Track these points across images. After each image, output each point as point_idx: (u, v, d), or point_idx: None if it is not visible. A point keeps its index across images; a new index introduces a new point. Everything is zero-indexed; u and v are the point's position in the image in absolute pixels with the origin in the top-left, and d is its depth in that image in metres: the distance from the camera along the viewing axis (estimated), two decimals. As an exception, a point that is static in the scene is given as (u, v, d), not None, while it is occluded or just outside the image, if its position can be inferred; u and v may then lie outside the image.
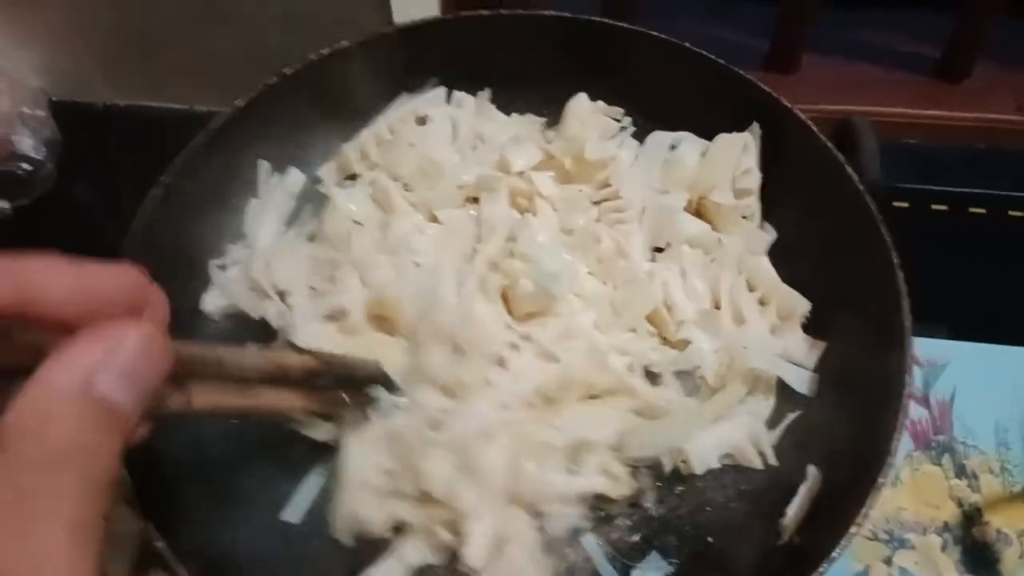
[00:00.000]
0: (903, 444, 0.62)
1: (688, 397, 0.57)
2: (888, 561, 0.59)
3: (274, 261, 0.59)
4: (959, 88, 1.06)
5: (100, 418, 0.26)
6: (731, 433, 0.55)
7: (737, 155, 0.61)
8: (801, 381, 0.56)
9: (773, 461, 0.55)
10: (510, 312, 0.56)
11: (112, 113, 0.90)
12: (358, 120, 0.68)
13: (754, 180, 0.61)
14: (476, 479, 0.49)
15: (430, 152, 0.63)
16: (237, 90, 0.62)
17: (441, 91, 0.69)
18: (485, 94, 0.68)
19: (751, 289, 0.60)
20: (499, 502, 0.50)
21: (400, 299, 0.55)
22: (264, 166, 0.65)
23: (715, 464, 0.54)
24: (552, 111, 0.68)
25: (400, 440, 0.50)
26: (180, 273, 0.59)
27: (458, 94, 0.68)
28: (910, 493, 0.62)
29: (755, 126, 0.62)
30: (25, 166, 0.83)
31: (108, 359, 0.27)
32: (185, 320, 0.59)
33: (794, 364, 0.57)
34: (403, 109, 0.67)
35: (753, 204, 0.61)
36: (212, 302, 0.59)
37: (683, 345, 0.58)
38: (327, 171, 0.66)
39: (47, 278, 0.28)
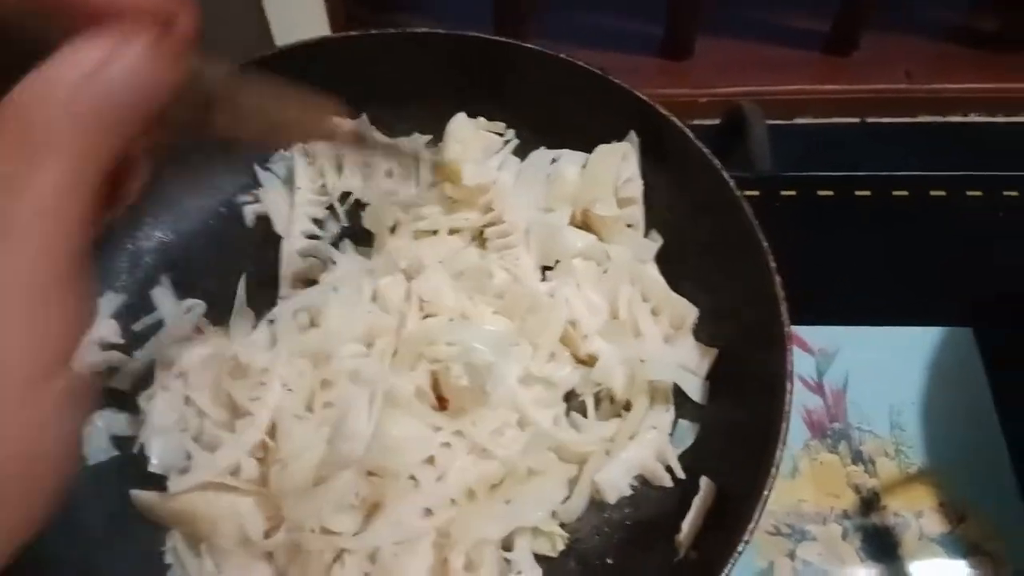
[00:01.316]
0: (800, 435, 0.64)
1: (600, 421, 0.56)
2: (791, 555, 0.60)
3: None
4: (849, 60, 1.07)
5: (95, 117, 0.26)
6: (638, 454, 0.54)
7: (617, 165, 0.60)
8: (695, 390, 0.56)
9: (681, 475, 0.54)
10: (440, 400, 0.55)
11: None
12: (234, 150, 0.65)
13: (636, 188, 0.61)
14: None
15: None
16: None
17: None
18: (363, 119, 0.66)
19: (644, 299, 0.59)
20: None
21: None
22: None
23: (627, 491, 0.54)
24: (438, 129, 0.66)
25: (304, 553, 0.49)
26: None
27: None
28: (810, 483, 0.63)
29: (632, 134, 0.61)
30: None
31: (113, 60, 0.26)
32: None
33: (688, 372, 0.57)
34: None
35: (637, 212, 0.61)
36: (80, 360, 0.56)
37: (592, 360, 0.57)
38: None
39: None
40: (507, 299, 0.58)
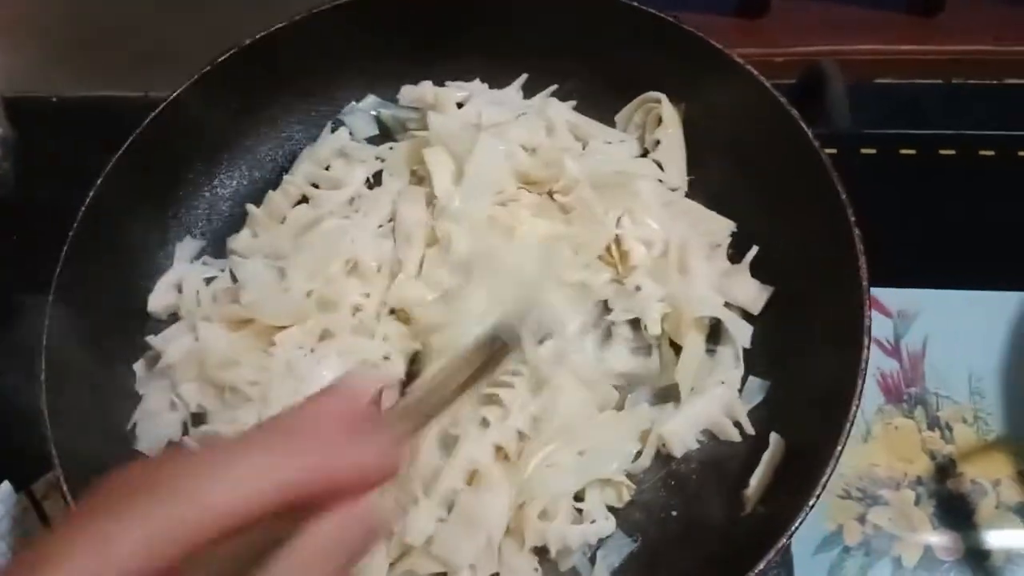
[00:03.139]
0: (874, 398, 0.62)
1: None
2: (862, 519, 0.59)
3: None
4: (934, 22, 1.03)
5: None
6: (707, 409, 0.54)
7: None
8: (740, 330, 0.56)
9: (751, 431, 0.54)
10: None
11: (67, 105, 0.88)
12: (312, 99, 0.66)
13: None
14: (472, 531, 0.48)
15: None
16: (192, 74, 0.60)
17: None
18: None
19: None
20: (496, 551, 0.49)
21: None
22: None
23: (694, 445, 0.54)
24: (501, 79, 0.66)
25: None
26: (126, 270, 0.59)
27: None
28: (883, 448, 0.61)
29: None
30: (-19, 167, 0.81)
31: (343, 538, 0.29)
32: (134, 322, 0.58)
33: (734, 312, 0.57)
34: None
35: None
36: (158, 302, 0.58)
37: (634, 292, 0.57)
38: (241, 241, 0.62)
39: (346, 464, 0.29)
40: (571, 196, 0.58)
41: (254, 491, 0.26)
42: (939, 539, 0.58)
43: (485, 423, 0.51)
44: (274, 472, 0.27)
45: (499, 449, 0.51)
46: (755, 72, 0.56)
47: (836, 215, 0.51)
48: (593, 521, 0.51)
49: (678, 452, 0.53)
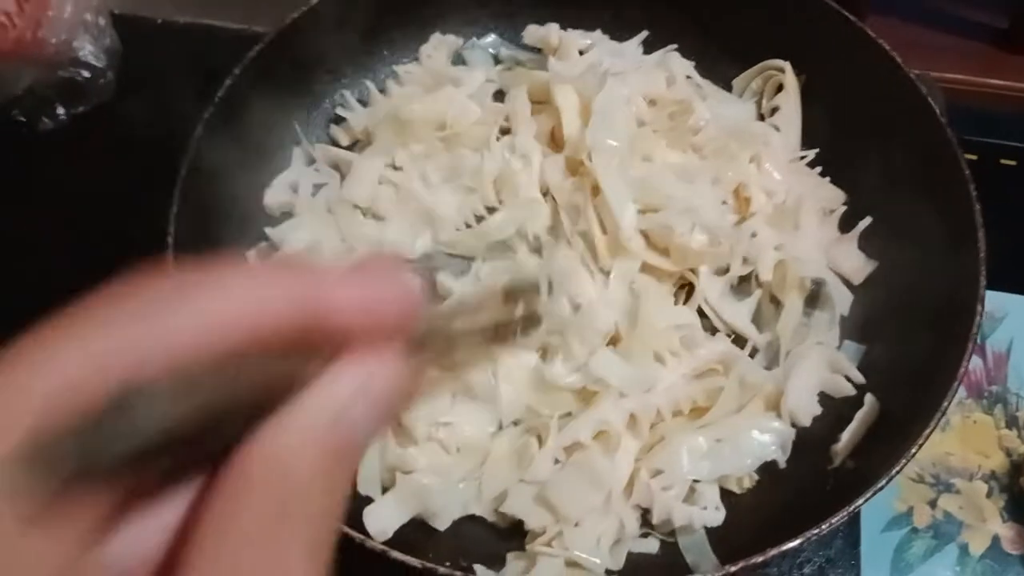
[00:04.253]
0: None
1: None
2: (933, 504, 0.59)
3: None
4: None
5: (341, 458, 0.23)
6: (815, 370, 0.54)
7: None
8: (841, 295, 0.56)
9: (860, 379, 0.53)
10: None
11: (170, 28, 0.90)
12: (434, 30, 0.68)
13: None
14: (590, 487, 0.48)
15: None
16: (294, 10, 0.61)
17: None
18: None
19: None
20: (613, 514, 0.49)
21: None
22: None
23: (818, 410, 0.53)
24: (620, 32, 0.67)
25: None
26: (246, 166, 0.60)
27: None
28: (959, 439, 0.61)
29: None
30: (85, 73, 0.83)
31: (361, 395, 0.24)
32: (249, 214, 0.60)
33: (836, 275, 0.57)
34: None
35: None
36: (274, 197, 0.60)
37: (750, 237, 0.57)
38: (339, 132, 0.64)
39: (342, 295, 0.25)
40: (701, 136, 0.58)
41: (255, 302, 0.23)
42: (1007, 532, 0.58)
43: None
44: (270, 289, 0.23)
45: (632, 418, 0.50)
46: (886, 45, 0.57)
47: (957, 195, 0.52)
48: (704, 508, 0.50)
49: (807, 421, 0.52)
